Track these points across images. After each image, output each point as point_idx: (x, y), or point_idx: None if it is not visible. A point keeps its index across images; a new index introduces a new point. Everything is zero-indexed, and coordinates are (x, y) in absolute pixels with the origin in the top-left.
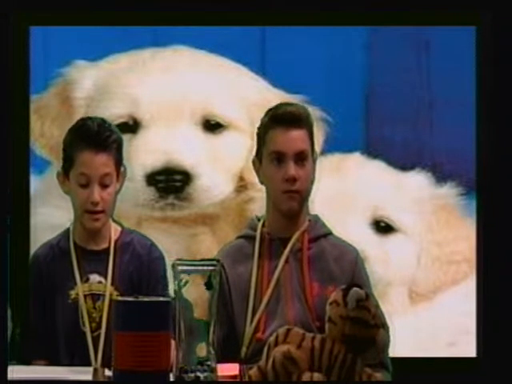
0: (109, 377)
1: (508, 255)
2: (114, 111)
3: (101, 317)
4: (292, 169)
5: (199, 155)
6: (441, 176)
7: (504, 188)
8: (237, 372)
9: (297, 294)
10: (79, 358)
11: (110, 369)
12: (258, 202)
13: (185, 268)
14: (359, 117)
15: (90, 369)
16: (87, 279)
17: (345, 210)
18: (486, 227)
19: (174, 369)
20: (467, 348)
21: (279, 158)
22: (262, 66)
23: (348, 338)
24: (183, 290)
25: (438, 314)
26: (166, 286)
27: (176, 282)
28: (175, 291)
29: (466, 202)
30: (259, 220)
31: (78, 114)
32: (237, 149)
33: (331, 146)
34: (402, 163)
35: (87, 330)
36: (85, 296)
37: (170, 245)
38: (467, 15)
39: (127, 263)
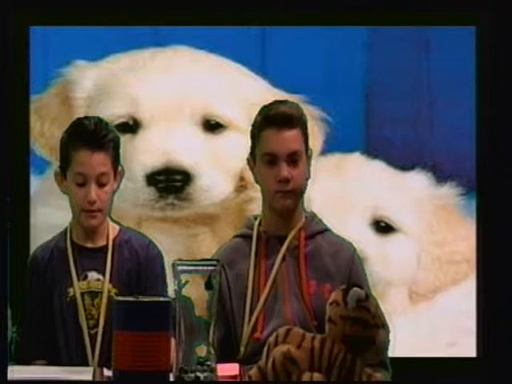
0: (109, 377)
1: (508, 255)
2: (114, 111)
3: (99, 314)
4: (285, 170)
5: (199, 155)
6: (441, 176)
7: (504, 188)
8: (237, 372)
9: (294, 292)
10: (78, 356)
11: (108, 367)
12: (258, 202)
13: (185, 268)
14: (359, 117)
15: (90, 369)
16: (85, 277)
17: (345, 209)
18: (485, 227)
19: (174, 369)
20: (467, 348)
21: (272, 159)
22: (262, 66)
23: (348, 338)
24: (183, 290)
25: (437, 313)
26: (164, 283)
27: (176, 282)
28: (175, 291)
29: (466, 202)
30: (256, 219)
31: (78, 114)
32: (237, 149)
33: (331, 146)
34: (402, 163)
35: (84, 327)
36: (83, 294)
37: (170, 245)
38: (467, 15)
39: (125, 261)
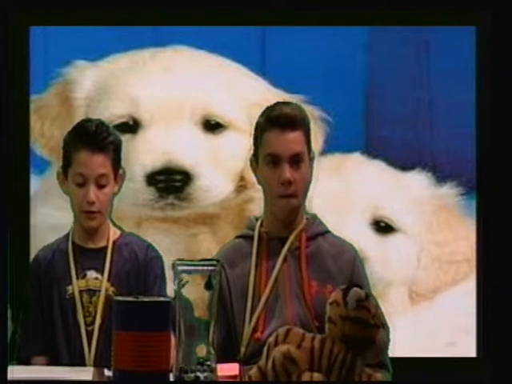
0: (109, 377)
1: (508, 255)
2: (113, 111)
3: (96, 311)
4: (287, 172)
5: (199, 155)
6: (441, 176)
7: (504, 188)
8: (237, 372)
9: (295, 292)
10: (77, 353)
11: (107, 367)
12: (258, 202)
13: (185, 268)
14: (359, 117)
15: (90, 369)
16: (84, 275)
17: (345, 209)
18: (486, 227)
19: (174, 369)
20: (467, 348)
21: (274, 160)
22: (262, 66)
23: (348, 338)
24: (183, 290)
25: (437, 313)
26: (162, 284)
27: (176, 282)
28: (175, 291)
29: (466, 202)
30: (257, 220)
31: (78, 114)
32: (237, 149)
33: (331, 146)
34: (402, 163)
35: (81, 323)
36: (82, 291)
37: (170, 245)
38: (467, 15)
39: (124, 261)
